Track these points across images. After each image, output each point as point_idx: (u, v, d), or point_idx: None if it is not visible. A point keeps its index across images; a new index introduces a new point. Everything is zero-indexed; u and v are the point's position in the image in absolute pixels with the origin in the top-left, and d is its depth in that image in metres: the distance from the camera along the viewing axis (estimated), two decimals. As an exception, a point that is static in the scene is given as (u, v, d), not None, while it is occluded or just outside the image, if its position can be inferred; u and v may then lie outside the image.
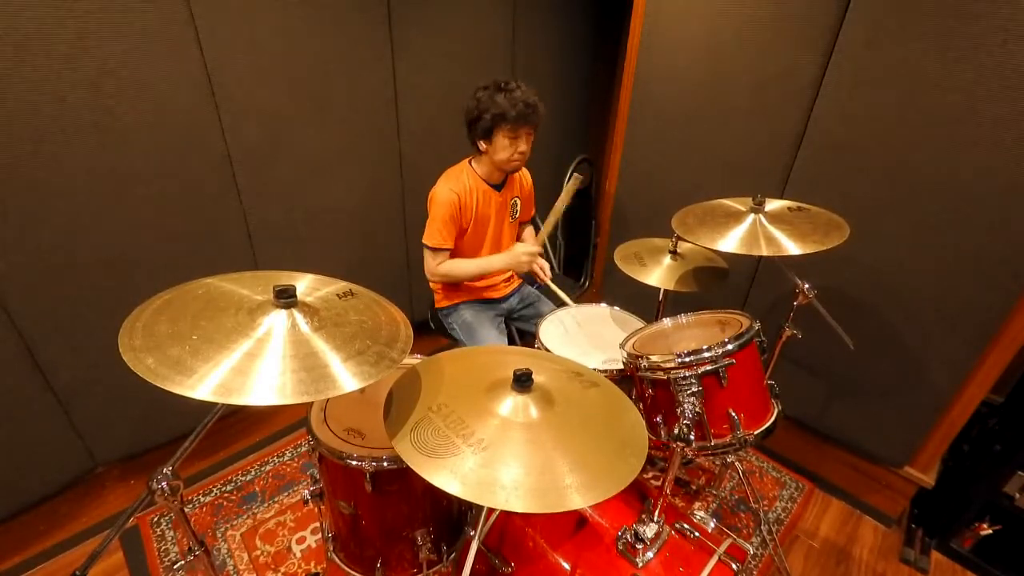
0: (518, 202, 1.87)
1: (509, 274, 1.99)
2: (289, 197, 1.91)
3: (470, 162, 1.75)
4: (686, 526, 1.15)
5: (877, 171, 1.58)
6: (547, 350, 1.55)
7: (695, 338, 1.37)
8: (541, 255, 1.76)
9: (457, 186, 1.67)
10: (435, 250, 1.71)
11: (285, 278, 1.02)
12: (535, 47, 2.50)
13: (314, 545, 1.70)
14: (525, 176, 1.89)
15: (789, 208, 1.45)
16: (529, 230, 2.03)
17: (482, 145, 1.65)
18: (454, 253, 1.78)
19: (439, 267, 1.74)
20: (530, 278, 1.98)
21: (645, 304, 1.81)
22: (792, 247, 1.29)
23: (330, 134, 1.94)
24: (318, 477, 1.28)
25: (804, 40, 1.61)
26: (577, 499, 0.79)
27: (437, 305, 1.94)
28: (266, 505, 1.84)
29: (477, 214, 1.73)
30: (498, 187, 1.77)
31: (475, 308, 1.90)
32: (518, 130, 1.60)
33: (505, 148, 1.63)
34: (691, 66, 1.91)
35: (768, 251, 1.29)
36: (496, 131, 1.59)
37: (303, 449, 2.07)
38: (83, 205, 1.46)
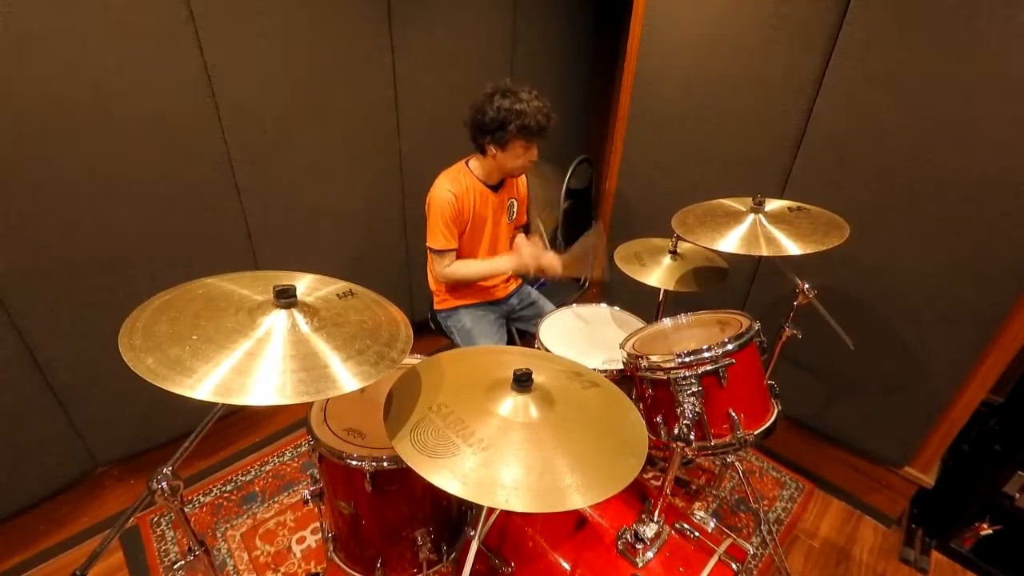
0: (515, 203, 1.87)
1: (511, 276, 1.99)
2: (289, 197, 1.91)
3: (467, 163, 1.75)
4: (686, 526, 1.15)
5: (877, 171, 1.58)
6: (547, 350, 1.56)
7: (695, 338, 1.37)
8: (547, 263, 1.73)
9: (454, 186, 1.67)
10: (441, 252, 1.71)
11: (285, 278, 1.02)
12: (535, 47, 2.50)
13: (314, 545, 1.70)
14: (521, 180, 1.89)
15: (789, 208, 1.45)
16: (521, 237, 2.02)
17: (492, 150, 1.63)
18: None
19: (447, 269, 1.74)
20: (530, 279, 1.98)
21: (645, 304, 1.81)
22: (792, 247, 1.29)
23: (330, 134, 1.94)
24: (318, 477, 1.28)
25: (804, 40, 1.61)
26: (577, 499, 0.79)
27: (436, 307, 1.93)
28: (266, 505, 1.84)
29: (474, 214, 1.73)
30: (495, 188, 1.76)
31: (474, 313, 1.89)
32: (534, 140, 1.61)
33: (519, 156, 1.64)
34: (691, 66, 1.91)
35: (768, 251, 1.29)
36: (514, 140, 1.59)
37: (303, 449, 2.07)
38: (83, 205, 1.46)
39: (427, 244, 1.72)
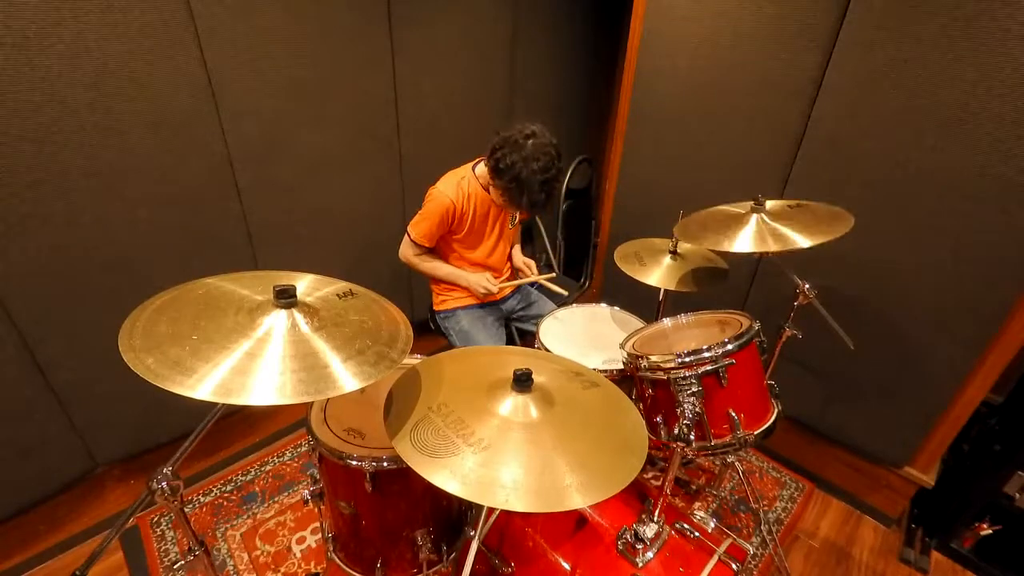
0: None
1: (508, 274, 1.99)
2: (289, 197, 1.91)
3: (474, 167, 1.75)
4: (686, 526, 1.15)
5: (877, 171, 1.58)
6: (547, 350, 1.56)
7: (695, 338, 1.37)
8: (497, 292, 1.84)
9: (455, 193, 1.67)
10: (415, 242, 1.76)
11: (285, 278, 1.02)
12: (535, 47, 2.50)
13: (314, 545, 1.70)
14: None
15: (788, 206, 1.45)
16: (516, 248, 2.02)
17: (488, 171, 1.63)
18: (449, 251, 1.82)
19: (414, 258, 1.81)
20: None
21: (645, 304, 1.81)
22: (800, 239, 1.27)
23: (330, 134, 1.94)
24: (318, 477, 1.28)
25: (804, 40, 1.61)
26: (577, 499, 0.79)
27: (436, 308, 1.94)
28: (266, 505, 1.84)
29: (474, 218, 1.74)
30: None
31: (473, 314, 1.89)
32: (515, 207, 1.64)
33: (501, 201, 1.66)
34: (691, 66, 1.91)
35: (776, 247, 1.28)
36: (502, 190, 1.59)
37: (303, 449, 2.07)
38: (83, 205, 1.46)
39: (409, 226, 1.75)
